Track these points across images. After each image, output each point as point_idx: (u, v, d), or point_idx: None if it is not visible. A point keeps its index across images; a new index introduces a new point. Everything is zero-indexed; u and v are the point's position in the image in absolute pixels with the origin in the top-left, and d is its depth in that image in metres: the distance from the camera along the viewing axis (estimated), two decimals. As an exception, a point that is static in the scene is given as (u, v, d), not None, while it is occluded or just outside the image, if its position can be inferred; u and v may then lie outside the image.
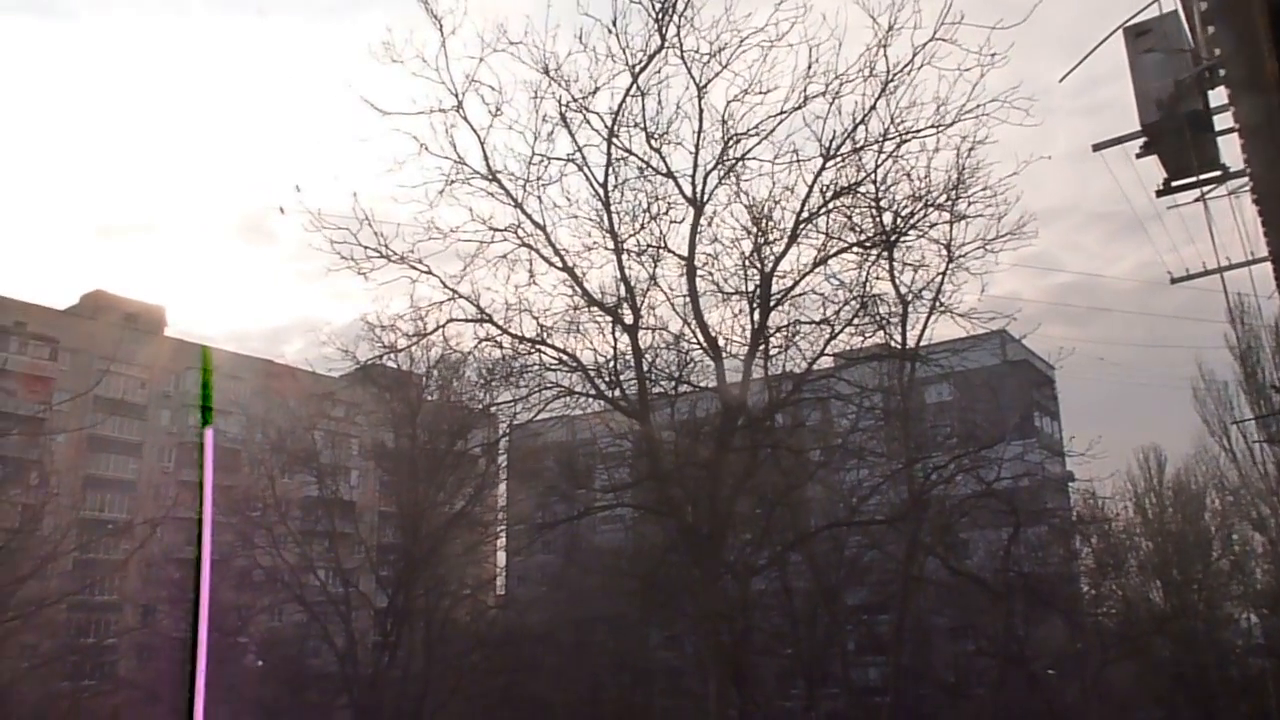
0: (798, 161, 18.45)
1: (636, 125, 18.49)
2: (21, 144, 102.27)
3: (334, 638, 30.26)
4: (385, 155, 18.28)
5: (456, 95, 17.47)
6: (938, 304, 20.20)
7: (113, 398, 53.18)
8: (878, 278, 19.65)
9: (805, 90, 17.56)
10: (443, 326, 19.61)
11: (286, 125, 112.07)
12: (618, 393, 19.98)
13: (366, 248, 17.77)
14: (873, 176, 18.57)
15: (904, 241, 19.37)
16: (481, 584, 34.91)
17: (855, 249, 19.11)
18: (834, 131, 17.92)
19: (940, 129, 17.42)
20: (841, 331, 19.16)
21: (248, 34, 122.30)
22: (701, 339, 19.42)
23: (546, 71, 17.77)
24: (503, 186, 18.41)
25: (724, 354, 19.33)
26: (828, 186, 18.56)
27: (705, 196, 18.88)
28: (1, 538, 17.72)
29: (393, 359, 25.61)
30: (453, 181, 17.95)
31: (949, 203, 18.86)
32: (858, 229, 19.12)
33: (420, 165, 18.04)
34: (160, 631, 34.83)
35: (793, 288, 19.16)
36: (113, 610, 42.58)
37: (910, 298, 20.43)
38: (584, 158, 18.70)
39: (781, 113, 17.88)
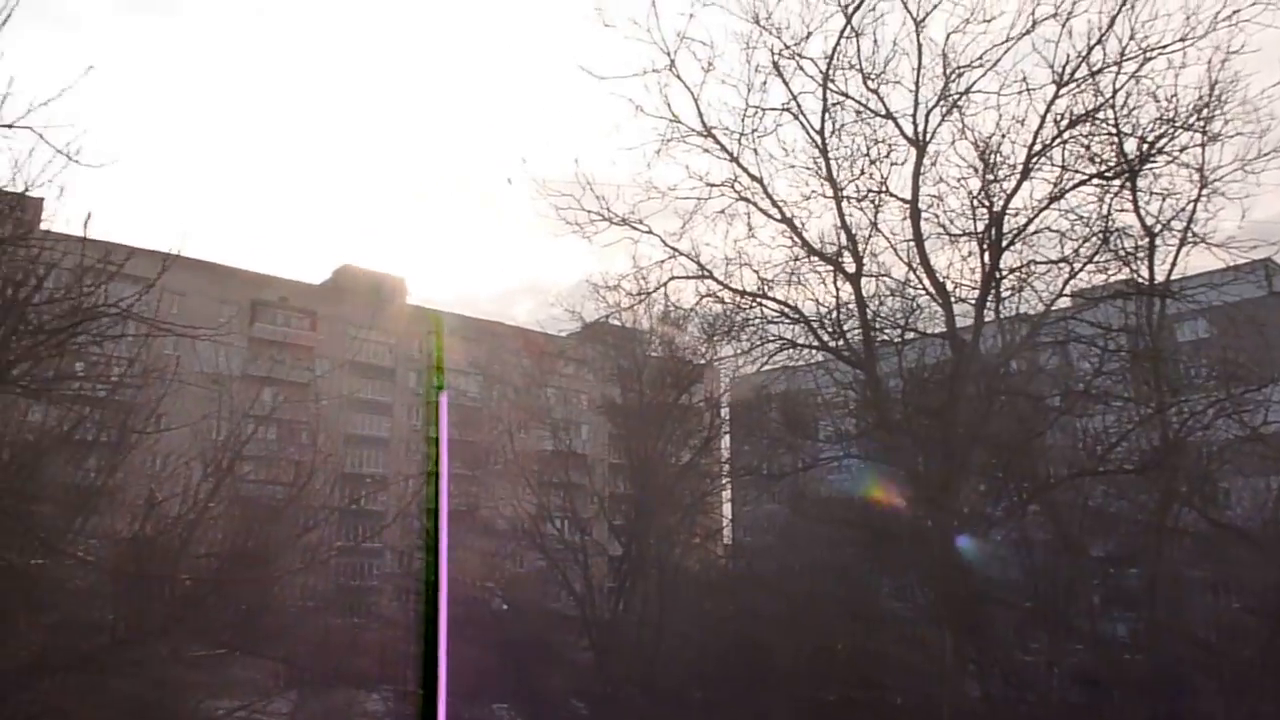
0: (1027, 91, 17.48)
1: (852, 67, 18.10)
2: (270, 134, 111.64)
3: (572, 583, 31.80)
4: (603, 120, 18.77)
5: (669, 54, 17.67)
6: (1190, 234, 18.52)
7: (365, 363, 57.71)
8: (1121, 209, 18.26)
9: (1033, 14, 16.63)
10: (664, 285, 20.04)
11: (507, 96, 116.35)
12: (841, 343, 19.77)
13: (589, 212, 18.40)
14: (1112, 101, 17.29)
15: (1149, 169, 17.89)
16: (709, 534, 35.62)
17: (1095, 180, 17.89)
18: (1067, 55, 16.85)
19: (1189, 42, 16.00)
20: (1082, 270, 18.09)
21: (469, 12, 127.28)
22: (928, 284, 18.88)
23: (757, 21, 17.67)
24: (718, 141, 18.53)
25: (953, 298, 18.71)
26: (1062, 115, 17.48)
27: (928, 135, 18.27)
28: (283, 492, 19.79)
29: (617, 318, 26.43)
30: (669, 140, 18.25)
31: (1200, 123, 17.27)
32: (1097, 159, 17.86)
33: (637, 127, 18.46)
34: (416, 575, 37.78)
35: (1026, 226, 18.23)
36: (375, 556, 46.49)
37: (1158, 229, 18.81)
38: (799, 106, 18.50)
39: (1007, 40, 17.01)
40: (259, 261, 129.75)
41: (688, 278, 19.76)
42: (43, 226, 9.76)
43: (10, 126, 6.97)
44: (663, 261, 19.51)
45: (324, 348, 59.94)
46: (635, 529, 31.20)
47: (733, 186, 18.71)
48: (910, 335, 19.93)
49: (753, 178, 18.66)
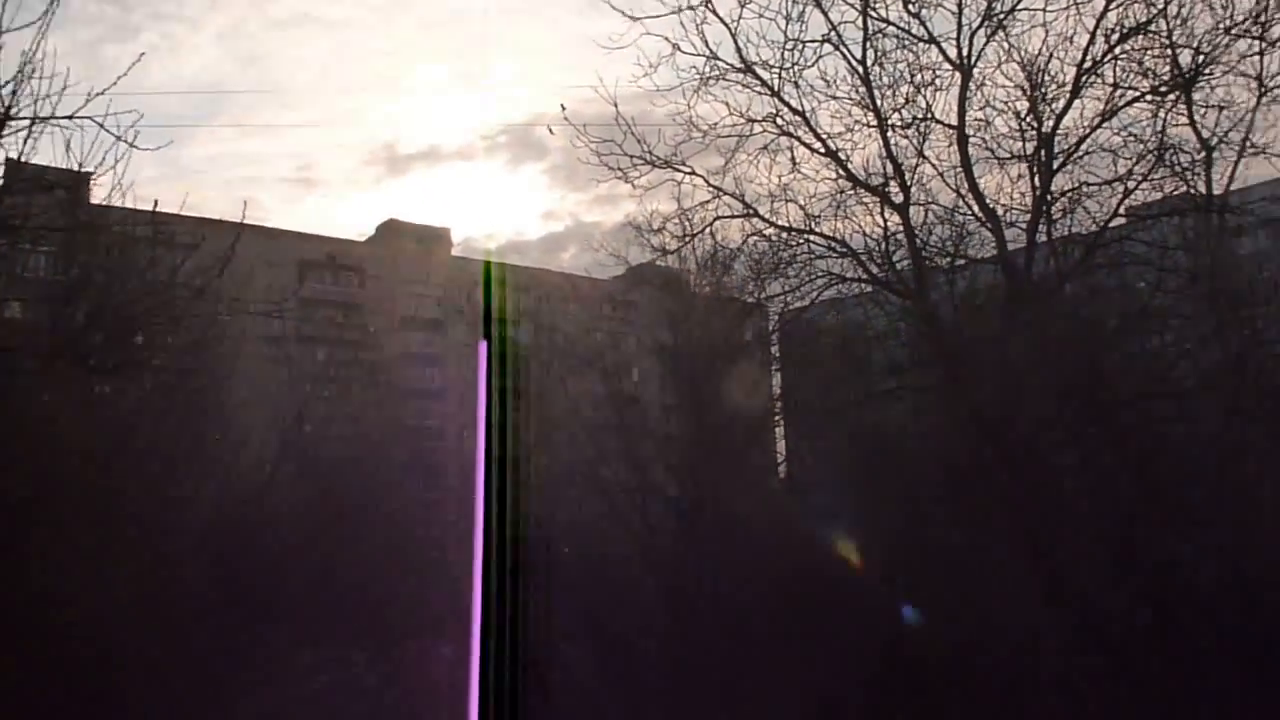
0: (1075, 6, 17.02)
1: (893, -9, 17.69)
2: (317, 97, 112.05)
3: (632, 525, 32.22)
4: (639, 59, 18.55)
5: (704, -12, 17.35)
6: (1248, 145, 18.04)
7: (415, 317, 58.34)
8: (1176, 124, 17.82)
9: (1081, -75, 16.04)
10: (709, 225, 19.99)
11: (545, 41, 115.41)
12: (891, 274, 19.65)
13: (631, 156, 18.33)
14: (1164, 12, 16.78)
15: (1205, 80, 17.40)
16: (766, 471, 35.81)
17: (1149, 96, 17.44)
18: (1117, -33, 16.30)
19: (1246, -54, 15.39)
20: (1137, 188, 17.73)
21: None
22: (977, 209, 18.66)
23: (794, -50, 17.26)
24: (758, 77, 18.31)
25: (1003, 223, 18.49)
26: (1112, 30, 17.03)
27: (973, 58, 17.94)
28: (348, 450, 20.29)
29: (663, 260, 26.41)
30: (708, 79, 18.05)
31: (1259, 29, 16.77)
32: (1150, 73, 17.40)
33: (674, 65, 18.23)
34: (476, 525, 38.57)
35: (1078, 146, 17.87)
36: (438, 506, 47.43)
37: (1215, 142, 18.32)
38: (839, 36, 18.21)
39: (1053, -46, 16.47)
40: (303, 220, 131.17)
41: (733, 216, 19.73)
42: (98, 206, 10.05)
43: (72, 118, 7.13)
44: (707, 202, 19.50)
45: (374, 303, 60.64)
46: (691, 469, 31.43)
47: (775, 121, 18.55)
48: (961, 262, 19.74)
49: (795, 111, 18.47)
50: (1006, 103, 18.05)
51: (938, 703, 21.42)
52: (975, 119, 18.17)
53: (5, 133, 6.97)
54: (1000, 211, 18.37)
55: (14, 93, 6.91)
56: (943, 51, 18.02)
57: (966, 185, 18.42)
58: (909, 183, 18.72)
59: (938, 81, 18.24)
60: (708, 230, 20.47)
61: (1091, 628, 18.45)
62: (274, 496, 15.23)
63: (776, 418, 34.92)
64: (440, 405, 59.25)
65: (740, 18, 17.86)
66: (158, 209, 9.17)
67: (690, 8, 17.58)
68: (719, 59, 18.01)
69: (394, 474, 30.58)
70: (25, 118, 6.99)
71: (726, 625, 28.09)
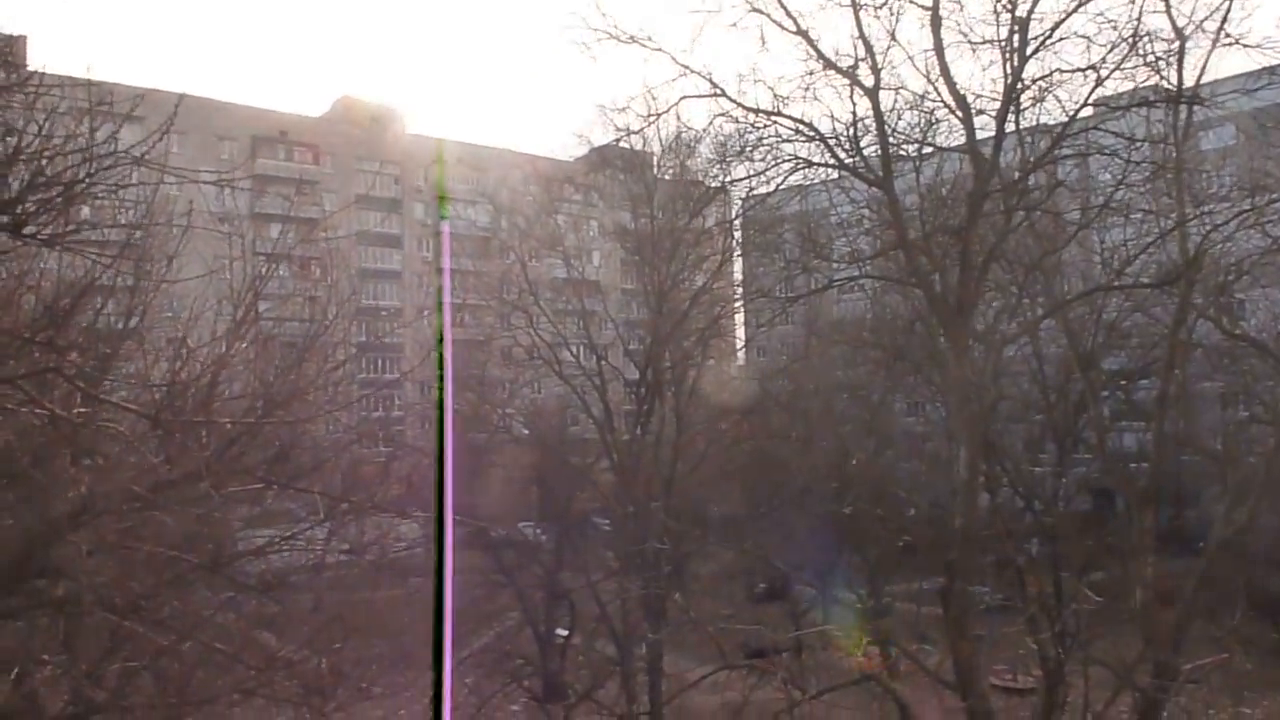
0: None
1: None
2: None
3: (591, 408, 32.48)
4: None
5: None
6: (1222, 34, 17.72)
7: (372, 195, 57.14)
8: (1152, 10, 17.38)
9: None
10: (675, 105, 19.43)
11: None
12: (858, 159, 19.31)
13: (596, 30, 17.67)
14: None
15: (1185, -39, 16.94)
16: (724, 356, 36.04)
17: (1127, -23, 16.95)
18: None
19: None
20: (1108, 77, 17.36)
21: None
22: (948, 96, 18.18)
23: None
24: (730, -54, 17.51)
25: (973, 110, 18.11)
26: (1095, -93, 16.42)
27: (951, -65, 17.23)
28: (303, 330, 19.86)
29: (627, 141, 25.86)
30: (678, -51, 17.29)
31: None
32: (1130, -48, 16.86)
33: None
34: (436, 405, 38.56)
35: (1052, 31, 17.40)
36: (397, 387, 47.34)
37: (1190, 30, 18.00)
38: (815, -94, 17.42)
39: None
40: (254, 95, 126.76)
41: (699, 97, 19.07)
42: (30, 68, 9.49)
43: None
44: (673, 80, 18.88)
45: (329, 181, 59.20)
46: (651, 353, 31.56)
47: (745, -5, 17.83)
48: (929, 150, 19.43)
49: (765, -14, 17.75)
50: (983, -18, 17.59)
51: (879, 589, 22.19)
52: (950, 1, 17.63)
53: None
54: (970, 99, 18.01)
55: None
56: (920, -73, 17.34)
57: (938, 70, 17.96)
58: (879, 66, 18.24)
59: (914, -42, 17.61)
60: (673, 110, 19.93)
61: (1033, 512, 19.03)
62: (229, 376, 14.98)
63: (737, 303, 35.04)
64: (399, 286, 58.68)
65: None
66: (94, 75, 8.64)
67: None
68: (690, -73, 17.24)
69: (353, 355, 30.34)
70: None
71: (680, 507, 28.69)
